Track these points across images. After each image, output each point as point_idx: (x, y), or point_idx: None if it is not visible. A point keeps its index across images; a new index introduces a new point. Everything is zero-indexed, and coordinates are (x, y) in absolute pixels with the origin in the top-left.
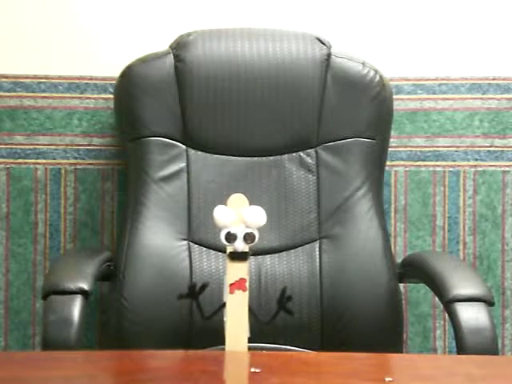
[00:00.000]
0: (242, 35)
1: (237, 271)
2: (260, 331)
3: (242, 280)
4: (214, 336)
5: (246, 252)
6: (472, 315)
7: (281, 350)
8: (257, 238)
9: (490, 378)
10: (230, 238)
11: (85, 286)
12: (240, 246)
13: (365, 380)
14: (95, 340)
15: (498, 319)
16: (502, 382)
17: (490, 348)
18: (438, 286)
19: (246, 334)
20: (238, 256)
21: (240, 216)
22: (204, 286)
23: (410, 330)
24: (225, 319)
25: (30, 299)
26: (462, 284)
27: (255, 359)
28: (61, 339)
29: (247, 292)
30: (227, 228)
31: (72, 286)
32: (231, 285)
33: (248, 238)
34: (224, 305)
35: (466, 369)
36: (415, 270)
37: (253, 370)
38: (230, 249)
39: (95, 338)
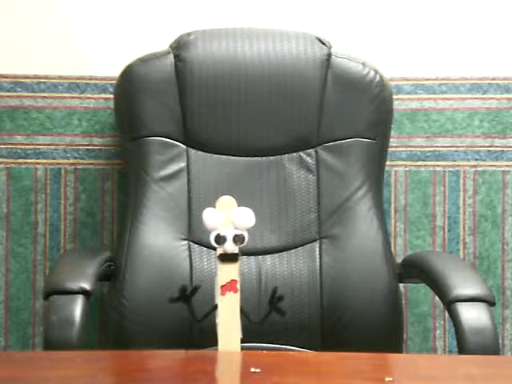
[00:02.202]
0: (243, 35)
1: (227, 273)
2: (255, 331)
3: (233, 281)
4: (214, 336)
5: (235, 253)
6: (473, 315)
7: (281, 349)
8: (246, 239)
9: (490, 378)
10: (220, 240)
11: (86, 285)
12: (230, 247)
13: (365, 380)
14: (96, 340)
15: (498, 319)
16: (502, 382)
17: (491, 348)
18: (439, 287)
19: (239, 335)
20: (228, 257)
21: (229, 218)
22: (196, 289)
23: (410, 330)
24: (217, 321)
25: (30, 299)
26: (463, 284)
27: (255, 359)
28: (63, 339)
29: (238, 293)
30: (216, 230)
31: (73, 285)
32: (222, 286)
33: (237, 239)
34: (216, 307)
35: (465, 369)
36: (416, 270)
37: (253, 369)
38: (219, 251)
39: (96, 337)
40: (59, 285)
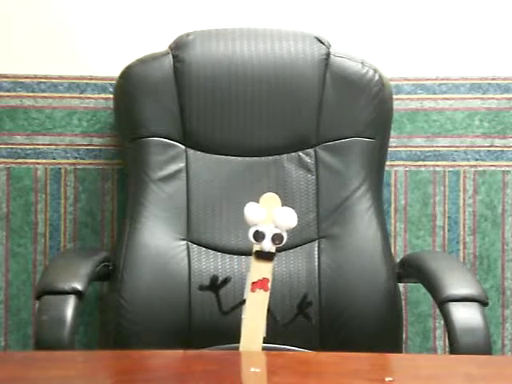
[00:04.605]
0: (241, 35)
1: (261, 270)
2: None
3: (265, 280)
4: (214, 336)
5: (272, 253)
6: (465, 315)
7: (281, 349)
8: (285, 240)
9: (490, 378)
10: (258, 236)
11: (78, 286)
12: (267, 245)
13: (365, 380)
14: (95, 340)
15: (498, 319)
16: (502, 382)
17: (482, 348)
18: (432, 286)
19: (263, 333)
20: (263, 255)
21: (271, 215)
22: (226, 280)
23: (410, 330)
24: (243, 316)
25: (30, 299)
26: (456, 284)
27: (255, 359)
28: (53, 339)
29: (268, 292)
30: (256, 226)
31: (65, 286)
32: (253, 283)
33: (276, 238)
34: (244, 302)
35: (466, 369)
36: (412, 269)
37: (253, 369)
38: (256, 247)
39: (96, 337)
40: (51, 285)
